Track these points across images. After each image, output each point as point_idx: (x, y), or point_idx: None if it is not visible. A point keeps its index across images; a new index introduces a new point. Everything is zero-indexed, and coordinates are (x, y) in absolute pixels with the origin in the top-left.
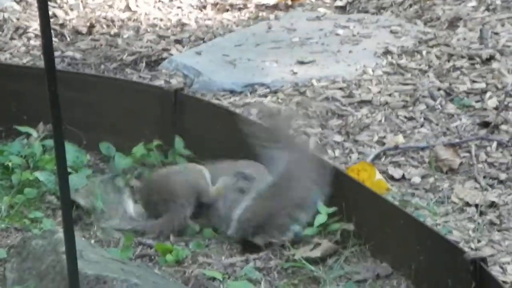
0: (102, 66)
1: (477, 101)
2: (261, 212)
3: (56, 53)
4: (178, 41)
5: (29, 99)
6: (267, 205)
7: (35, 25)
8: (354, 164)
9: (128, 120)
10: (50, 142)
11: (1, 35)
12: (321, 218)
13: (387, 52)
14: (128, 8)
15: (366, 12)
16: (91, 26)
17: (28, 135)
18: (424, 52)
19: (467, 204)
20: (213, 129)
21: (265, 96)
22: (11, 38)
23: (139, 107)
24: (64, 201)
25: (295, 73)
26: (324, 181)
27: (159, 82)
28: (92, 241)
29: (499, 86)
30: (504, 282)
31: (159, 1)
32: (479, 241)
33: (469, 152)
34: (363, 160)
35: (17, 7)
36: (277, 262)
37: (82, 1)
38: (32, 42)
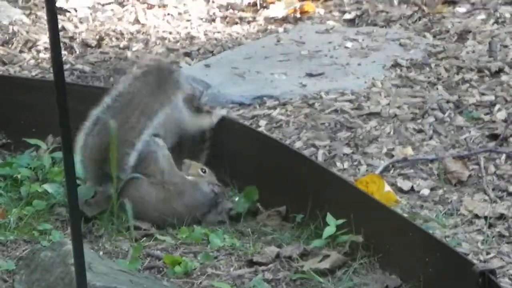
0: (112, 79)
1: (486, 114)
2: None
3: (66, 66)
4: (187, 54)
5: (38, 111)
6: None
7: (44, 38)
8: (363, 176)
9: None
10: (59, 154)
11: (10, 48)
12: (329, 230)
13: (396, 65)
14: (137, 21)
15: (375, 25)
16: (101, 39)
17: (37, 148)
18: (433, 65)
19: (476, 216)
20: (223, 141)
21: (274, 108)
22: (21, 51)
23: None
24: (73, 213)
25: (304, 86)
26: None
27: None
28: (101, 253)
29: (508, 98)
30: None
31: (168, 14)
32: (488, 253)
33: (478, 164)
34: (372, 172)
35: (26, 20)
36: (285, 273)
37: (91, 14)
38: (41, 55)
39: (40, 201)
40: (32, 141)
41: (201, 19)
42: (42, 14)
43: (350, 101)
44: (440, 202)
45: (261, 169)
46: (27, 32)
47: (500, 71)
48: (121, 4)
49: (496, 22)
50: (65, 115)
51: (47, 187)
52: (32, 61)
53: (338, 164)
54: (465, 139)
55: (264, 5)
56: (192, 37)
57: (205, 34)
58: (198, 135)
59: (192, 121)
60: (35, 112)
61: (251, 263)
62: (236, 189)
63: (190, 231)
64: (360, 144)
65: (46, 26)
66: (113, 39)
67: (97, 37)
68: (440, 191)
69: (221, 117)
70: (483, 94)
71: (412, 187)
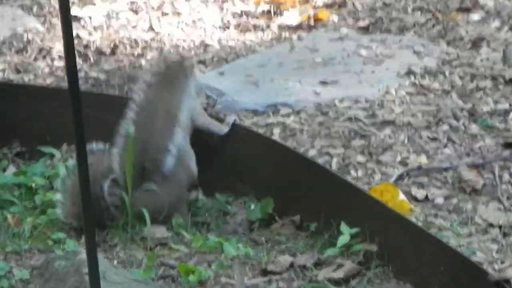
0: (126, 87)
1: (500, 122)
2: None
3: (80, 74)
4: (201, 62)
5: (52, 120)
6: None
7: (59, 46)
8: (377, 184)
9: None
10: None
11: (25, 56)
12: (344, 239)
13: (410, 73)
14: (151, 29)
15: (389, 32)
16: (115, 47)
17: (52, 156)
18: (447, 73)
19: (491, 225)
20: (236, 149)
21: (288, 116)
22: (35, 59)
23: None
24: (87, 222)
25: (318, 93)
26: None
27: None
28: (115, 262)
29: None
30: None
31: (182, 22)
32: (502, 262)
33: (493, 173)
34: (386, 180)
35: (41, 28)
36: (299, 283)
37: (105, 22)
38: (56, 63)
39: (54, 210)
40: (47, 149)
41: (215, 26)
42: (57, 22)
43: (364, 109)
44: (455, 211)
45: (274, 177)
46: (42, 40)
47: None
48: (136, 12)
49: (511, 29)
50: (79, 124)
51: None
52: (47, 69)
53: (352, 172)
54: (479, 147)
55: (278, 12)
56: (206, 45)
57: (219, 42)
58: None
59: (202, 114)
60: (49, 120)
61: (265, 272)
62: (253, 197)
63: (204, 239)
64: (374, 152)
65: (61, 34)
66: (128, 47)
67: (112, 45)
68: (455, 200)
69: (233, 122)
70: (497, 102)
71: (427, 195)
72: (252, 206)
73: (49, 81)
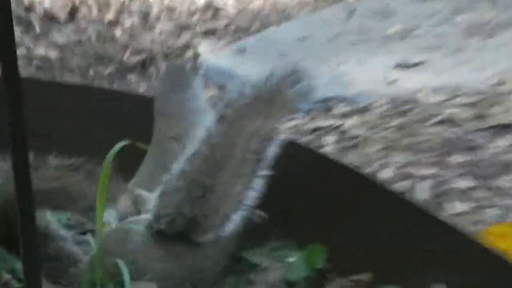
0: (91, 71)
1: None
2: (191, 194)
3: (20, 52)
4: (208, 33)
5: None
6: (199, 184)
7: None
8: (491, 224)
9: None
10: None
11: None
12: None
13: None
14: None
15: None
16: (74, 10)
17: None
18: None
19: None
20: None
21: (346, 116)
22: None
23: (143, 131)
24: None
25: (393, 82)
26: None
27: None
28: None
29: None
30: None
31: None
32: None
33: None
34: (505, 218)
35: None
36: None
37: None
38: None
39: None
40: None
41: None
42: None
43: (467, 105)
44: None
45: (328, 213)
46: None
47: None
48: None
49: None
50: (19, 125)
51: None
52: None
53: (450, 205)
54: None
55: None
56: (217, 9)
57: (237, 3)
58: None
59: None
60: None
61: None
62: (292, 242)
63: None
64: (485, 174)
65: None
66: (94, 10)
67: (69, 7)
68: None
69: None
70: None
71: None
72: (292, 258)
73: None
